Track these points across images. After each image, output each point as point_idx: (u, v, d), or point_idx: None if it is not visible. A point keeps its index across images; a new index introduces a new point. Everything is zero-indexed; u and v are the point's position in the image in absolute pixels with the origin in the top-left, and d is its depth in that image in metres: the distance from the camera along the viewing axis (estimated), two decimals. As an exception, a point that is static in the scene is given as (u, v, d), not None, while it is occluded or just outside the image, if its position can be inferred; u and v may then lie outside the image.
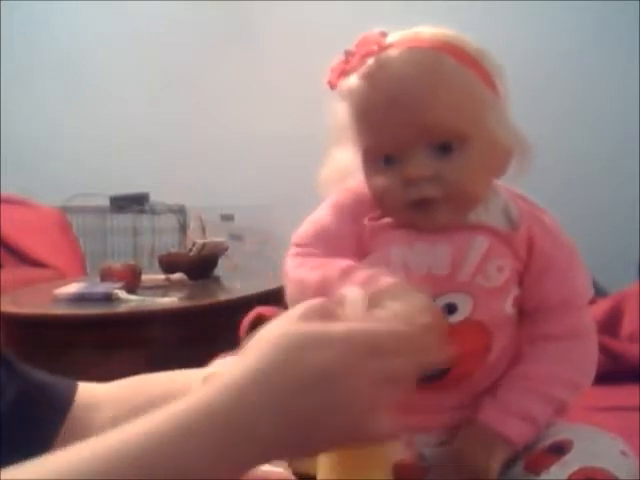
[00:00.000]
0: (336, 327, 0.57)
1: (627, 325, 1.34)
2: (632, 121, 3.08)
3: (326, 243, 0.78)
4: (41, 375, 0.95)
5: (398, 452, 0.66)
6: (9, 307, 2.12)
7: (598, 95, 3.18)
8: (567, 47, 3.22)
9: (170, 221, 3.58)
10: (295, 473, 0.74)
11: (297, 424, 0.55)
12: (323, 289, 0.71)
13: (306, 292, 0.72)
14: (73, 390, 0.95)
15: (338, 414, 0.55)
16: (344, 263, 0.74)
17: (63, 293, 2.21)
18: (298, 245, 0.80)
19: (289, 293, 0.78)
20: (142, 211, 3.56)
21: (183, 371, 0.96)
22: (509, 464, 0.75)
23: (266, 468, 0.71)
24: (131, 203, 3.54)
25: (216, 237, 2.76)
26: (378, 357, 0.57)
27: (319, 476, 0.65)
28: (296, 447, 0.56)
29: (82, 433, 0.92)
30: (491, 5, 3.17)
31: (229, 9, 3.58)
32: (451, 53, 0.73)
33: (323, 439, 0.57)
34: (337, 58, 0.76)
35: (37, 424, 0.90)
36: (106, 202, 3.55)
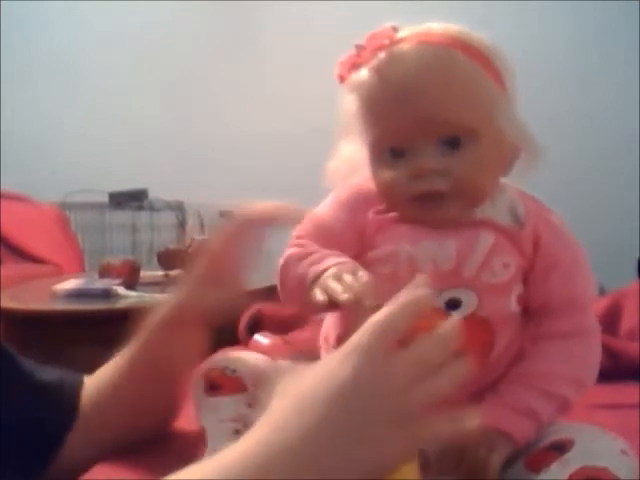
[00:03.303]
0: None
1: (626, 323, 1.34)
2: (632, 121, 3.08)
3: (322, 237, 0.79)
4: (47, 374, 0.95)
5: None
6: (8, 303, 2.11)
7: (598, 95, 3.19)
8: (567, 47, 3.22)
9: (169, 217, 3.58)
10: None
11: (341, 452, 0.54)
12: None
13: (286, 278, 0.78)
14: (80, 388, 0.95)
15: (381, 424, 0.55)
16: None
17: (62, 289, 2.21)
18: (296, 237, 0.81)
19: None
20: (141, 207, 3.56)
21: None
22: (509, 462, 0.75)
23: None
24: (130, 199, 3.54)
25: (215, 234, 2.76)
26: (402, 349, 0.56)
27: None
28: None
29: None
30: (491, 5, 3.17)
31: (229, 9, 3.59)
32: (462, 49, 0.74)
33: (373, 459, 0.55)
34: (347, 52, 0.77)
35: (46, 427, 0.90)
36: (105, 198, 3.55)
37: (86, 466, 0.88)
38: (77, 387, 0.95)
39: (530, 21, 3.25)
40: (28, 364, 0.94)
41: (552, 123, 2.54)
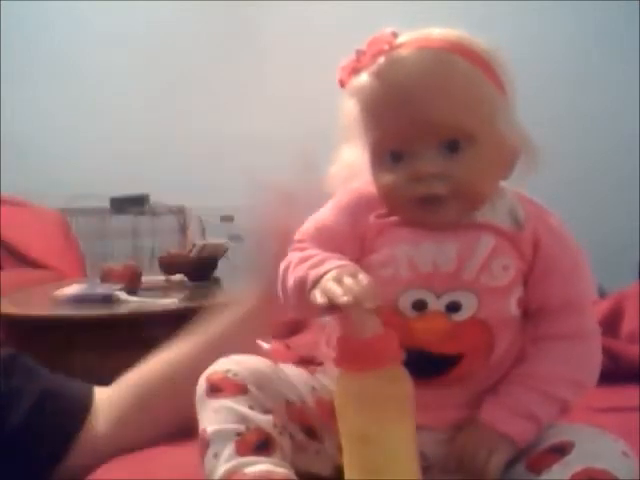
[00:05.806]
0: None
1: (627, 325, 1.34)
2: (632, 121, 3.09)
3: (323, 240, 0.80)
4: (59, 380, 0.95)
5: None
6: (9, 309, 2.11)
7: (598, 95, 3.19)
8: (567, 47, 3.22)
9: (170, 222, 3.58)
10: (298, 473, 0.74)
11: None
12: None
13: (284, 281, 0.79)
14: (91, 396, 0.96)
15: None
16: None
17: (63, 294, 2.21)
18: (298, 241, 0.82)
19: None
20: (142, 212, 3.56)
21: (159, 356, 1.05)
22: (510, 463, 0.75)
23: (269, 468, 0.71)
24: (131, 204, 3.53)
25: (216, 238, 2.76)
26: None
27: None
28: None
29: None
30: (491, 5, 3.17)
31: (229, 9, 3.59)
32: (461, 53, 0.75)
33: None
34: (348, 57, 0.77)
35: (56, 429, 0.91)
36: (106, 203, 3.55)
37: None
38: (89, 389, 0.96)
39: (530, 21, 3.26)
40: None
41: (552, 123, 2.55)
